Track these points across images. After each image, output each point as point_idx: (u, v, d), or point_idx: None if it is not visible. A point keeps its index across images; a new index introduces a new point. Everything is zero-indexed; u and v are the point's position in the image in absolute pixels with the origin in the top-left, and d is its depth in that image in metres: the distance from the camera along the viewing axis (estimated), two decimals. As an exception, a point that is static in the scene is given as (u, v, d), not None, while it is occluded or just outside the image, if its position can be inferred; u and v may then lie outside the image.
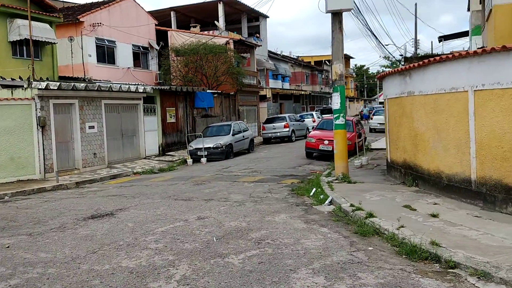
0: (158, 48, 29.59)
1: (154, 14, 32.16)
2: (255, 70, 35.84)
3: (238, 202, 10.19)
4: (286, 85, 47.03)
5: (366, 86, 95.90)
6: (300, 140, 28.51)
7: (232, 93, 30.20)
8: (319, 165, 16.76)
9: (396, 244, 6.44)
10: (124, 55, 26.89)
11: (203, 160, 19.70)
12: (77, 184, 14.69)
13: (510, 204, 7.58)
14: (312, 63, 59.85)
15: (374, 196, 9.64)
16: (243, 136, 22.66)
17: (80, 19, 23.87)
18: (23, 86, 15.55)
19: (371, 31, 50.41)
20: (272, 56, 44.04)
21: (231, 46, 30.64)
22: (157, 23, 30.21)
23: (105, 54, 25.79)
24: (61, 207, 10.67)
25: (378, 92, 74.89)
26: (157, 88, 22.26)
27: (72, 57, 23.57)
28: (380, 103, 59.95)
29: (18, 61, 20.28)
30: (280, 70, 44.92)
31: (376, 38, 66.42)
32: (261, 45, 37.60)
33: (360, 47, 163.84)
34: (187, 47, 27.85)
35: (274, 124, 28.46)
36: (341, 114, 12.31)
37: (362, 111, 58.75)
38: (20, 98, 15.20)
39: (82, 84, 17.50)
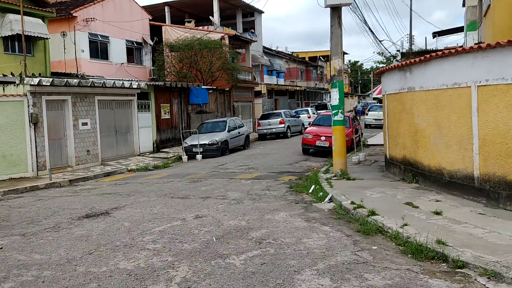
0: (152, 43, 29.26)
1: (148, 9, 31.79)
2: (250, 66, 35.61)
3: (236, 200, 10.01)
4: (281, 81, 46.84)
5: (360, 82, 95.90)
6: (295, 136, 28.39)
7: (227, 89, 29.98)
8: (316, 161, 16.61)
9: (401, 243, 6.29)
10: (117, 50, 26.55)
11: (199, 156, 19.50)
12: (70, 182, 14.44)
13: (515, 201, 7.46)
14: (307, 59, 59.67)
15: (374, 193, 9.49)
16: (239, 133, 22.46)
17: (73, 14, 23.50)
18: (15, 82, 15.23)
19: (368, 27, 50.15)
20: (267, 51, 43.80)
21: (226, 41, 30.40)
22: (151, 18, 29.87)
23: (98, 49, 25.45)
24: (55, 206, 10.43)
25: (372, 88, 74.86)
26: (151, 84, 21.99)
27: (64, 52, 23.20)
28: (374, 98, 59.91)
29: (10, 56, 19.93)
30: (275, 65, 44.71)
31: (373, 33, 66.03)
32: (256, 41, 37.35)
33: (353, 43, 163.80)
34: (182, 43, 27.56)
35: (269, 120, 28.29)
36: (340, 110, 12.16)
37: (356, 106, 58.77)
38: (12, 95, 14.91)
39: (75, 80, 17.22)
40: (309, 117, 32.72)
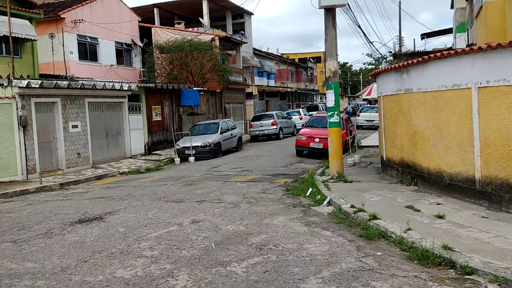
0: (141, 45, 28.98)
1: (137, 10, 31.51)
2: (241, 67, 35.42)
3: (232, 203, 9.82)
4: (272, 83, 46.70)
5: (350, 83, 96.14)
6: (287, 137, 28.26)
7: (219, 90, 29.76)
8: (311, 163, 16.47)
9: (406, 248, 6.14)
10: (106, 52, 26.23)
11: (191, 159, 19.27)
12: (61, 185, 14.14)
13: (517, 204, 7.37)
14: (297, 61, 59.61)
15: (374, 196, 9.35)
16: (231, 134, 22.26)
17: (61, 16, 23.17)
18: (3, 85, 14.87)
19: (361, 28, 50.18)
20: (257, 53, 43.65)
21: (217, 43, 30.18)
22: (140, 20, 29.58)
23: (87, 51, 25.11)
24: (46, 211, 10.16)
25: (361, 89, 75.03)
26: (142, 86, 21.71)
27: (53, 54, 22.82)
28: (364, 100, 60.01)
29: (-3, 58, 19.55)
30: (265, 67, 44.56)
31: (365, 35, 66.21)
32: (246, 42, 37.19)
33: (343, 45, 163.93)
34: (172, 44, 27.31)
35: (261, 122, 28.12)
36: (336, 112, 12.02)
37: (346, 108, 58.78)
38: (0, 97, 14.57)
39: (65, 82, 16.90)
40: (300, 119, 32.61)
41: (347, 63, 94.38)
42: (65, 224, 8.68)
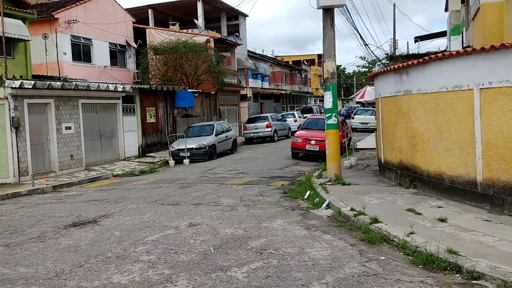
0: (136, 46, 28.74)
1: (131, 11, 31.24)
2: (236, 69, 35.28)
3: (229, 206, 9.65)
4: (266, 85, 46.58)
5: (343, 86, 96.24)
6: (282, 140, 28.15)
7: (213, 92, 29.59)
8: (307, 165, 16.33)
9: (409, 252, 6.01)
10: (100, 53, 25.97)
11: (186, 161, 19.08)
12: (54, 188, 13.90)
13: (520, 207, 7.26)
14: (291, 63, 59.52)
15: (373, 199, 9.22)
16: (226, 136, 22.10)
17: (55, 16, 22.89)
18: (-5, 85, 14.66)
19: (357, 30, 50.24)
20: (252, 55, 43.49)
21: (212, 44, 30.02)
22: (134, 21, 29.35)
23: (81, 52, 24.84)
24: (39, 214, 9.93)
25: (355, 92, 75.12)
26: (136, 87, 21.49)
27: (46, 55, 22.52)
28: (358, 102, 60.07)
29: (-11, 58, 19.25)
30: (259, 69, 44.43)
31: (361, 37, 66.29)
32: (241, 44, 37.04)
33: (336, 47, 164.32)
34: (167, 45, 27.10)
35: (256, 124, 27.96)
36: (334, 114, 11.90)
37: (340, 110, 58.78)
38: (-8, 98, 14.34)
39: (58, 83, 16.67)
40: (295, 121, 32.52)
41: (341, 65, 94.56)
42: (58, 227, 8.47)
